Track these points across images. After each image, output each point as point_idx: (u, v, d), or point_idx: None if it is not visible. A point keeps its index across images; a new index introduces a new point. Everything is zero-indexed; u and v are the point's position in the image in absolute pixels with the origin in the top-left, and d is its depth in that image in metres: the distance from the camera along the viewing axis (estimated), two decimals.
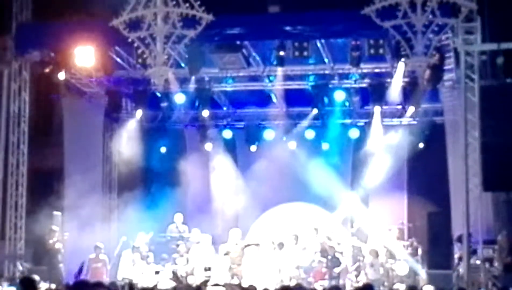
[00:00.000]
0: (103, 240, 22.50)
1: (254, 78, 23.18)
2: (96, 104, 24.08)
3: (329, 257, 21.95)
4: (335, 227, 23.88)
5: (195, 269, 21.68)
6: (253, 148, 25.47)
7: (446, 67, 20.55)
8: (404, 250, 22.40)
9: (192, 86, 23.18)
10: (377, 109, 23.37)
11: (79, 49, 20.43)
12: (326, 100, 23.33)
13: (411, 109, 23.22)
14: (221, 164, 25.62)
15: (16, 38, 20.95)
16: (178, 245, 22.47)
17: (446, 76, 21.10)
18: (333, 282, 20.77)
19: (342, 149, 24.84)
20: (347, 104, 24.22)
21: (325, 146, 24.97)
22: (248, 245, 22.00)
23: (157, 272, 21.50)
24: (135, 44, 16.19)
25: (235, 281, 20.23)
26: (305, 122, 24.78)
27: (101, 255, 22.02)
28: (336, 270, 21.69)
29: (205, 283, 18.57)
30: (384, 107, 23.31)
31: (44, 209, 21.47)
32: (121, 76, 23.19)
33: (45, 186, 21.68)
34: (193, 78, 22.71)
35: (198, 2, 15.43)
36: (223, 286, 13.39)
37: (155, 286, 17.47)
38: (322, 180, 23.93)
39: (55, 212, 21.99)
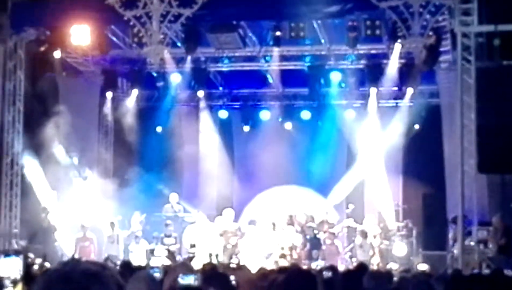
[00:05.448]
0: (99, 219, 22.53)
1: (250, 58, 23.16)
2: (91, 83, 24.05)
3: (308, 237, 21.97)
4: (327, 209, 23.87)
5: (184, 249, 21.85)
6: (246, 128, 25.46)
7: (442, 49, 20.53)
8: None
9: (188, 65, 23.15)
10: (373, 91, 23.38)
11: (75, 28, 20.35)
12: (322, 81, 23.30)
13: (409, 91, 23.17)
14: (217, 144, 25.60)
15: (11, 16, 20.81)
16: (167, 225, 22.47)
17: (443, 57, 21.08)
18: (315, 264, 20.66)
19: (337, 131, 24.80)
20: (343, 85, 24.15)
21: (323, 127, 24.91)
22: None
23: (151, 251, 21.59)
24: (131, 23, 16.15)
25: (234, 261, 20.28)
26: (301, 103, 24.80)
27: (87, 233, 22.07)
28: (315, 252, 21.61)
29: (190, 259, 18.65)
30: (380, 88, 23.28)
31: (39, 188, 21.43)
32: (117, 55, 23.15)
33: (40, 165, 21.58)
34: (189, 57, 22.68)
35: None
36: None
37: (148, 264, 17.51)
38: (317, 162, 23.99)
39: (50, 191, 21.96)
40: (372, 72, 22.58)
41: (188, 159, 24.99)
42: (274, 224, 22.13)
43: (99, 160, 24.82)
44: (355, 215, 23.30)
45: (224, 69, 24.03)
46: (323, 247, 21.84)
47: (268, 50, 22.47)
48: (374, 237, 22.23)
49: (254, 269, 11.38)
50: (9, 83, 21.29)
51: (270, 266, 18.21)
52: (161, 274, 9.39)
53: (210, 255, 20.95)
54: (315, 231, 22.11)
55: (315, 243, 21.79)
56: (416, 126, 23.84)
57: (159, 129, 25.27)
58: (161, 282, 7.99)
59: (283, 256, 21.43)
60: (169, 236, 22.26)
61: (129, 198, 22.66)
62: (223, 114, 25.90)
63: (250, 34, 21.84)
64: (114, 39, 22.01)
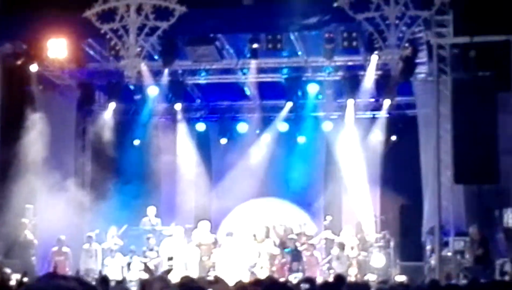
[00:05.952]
0: (76, 233, 22.45)
1: (227, 71, 23.16)
2: (69, 96, 23.92)
3: (288, 249, 21.96)
4: (305, 221, 23.89)
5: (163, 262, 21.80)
6: (223, 140, 25.41)
7: (418, 60, 20.65)
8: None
9: (165, 78, 23.09)
10: (350, 102, 23.41)
11: (52, 41, 20.32)
12: (299, 93, 23.33)
13: (386, 102, 23.27)
14: (195, 157, 25.54)
15: None
16: (148, 239, 22.45)
17: (419, 69, 21.19)
18: (293, 276, 20.64)
19: (315, 142, 24.84)
20: (320, 97, 24.19)
21: (300, 139, 24.93)
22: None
23: (128, 265, 21.54)
24: (108, 36, 16.12)
25: (211, 274, 20.25)
26: (279, 115, 24.83)
27: (63, 247, 22.00)
28: (295, 264, 21.59)
29: (167, 272, 18.62)
30: (357, 100, 23.32)
31: (16, 202, 21.31)
32: (94, 69, 23.07)
33: (17, 179, 21.47)
34: (166, 70, 22.64)
35: None
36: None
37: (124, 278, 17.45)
38: (295, 174, 24.02)
39: (27, 205, 21.86)
40: (349, 84, 22.62)
41: (165, 172, 24.93)
42: (254, 236, 22.13)
43: (77, 173, 24.65)
44: (333, 226, 23.34)
45: (201, 81, 24.00)
46: (304, 259, 21.86)
47: (245, 63, 22.49)
48: (352, 248, 22.28)
49: (231, 282, 11.35)
50: None
51: (248, 278, 18.21)
52: (138, 288, 9.38)
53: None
54: (296, 243, 22.12)
55: (295, 255, 21.78)
56: (393, 137, 23.92)
57: (136, 142, 25.14)
58: None
59: (262, 268, 21.45)
60: (151, 249, 22.23)
61: (106, 211, 22.57)
62: (200, 126, 25.81)
63: (227, 47, 21.87)
64: (91, 52, 21.97)
